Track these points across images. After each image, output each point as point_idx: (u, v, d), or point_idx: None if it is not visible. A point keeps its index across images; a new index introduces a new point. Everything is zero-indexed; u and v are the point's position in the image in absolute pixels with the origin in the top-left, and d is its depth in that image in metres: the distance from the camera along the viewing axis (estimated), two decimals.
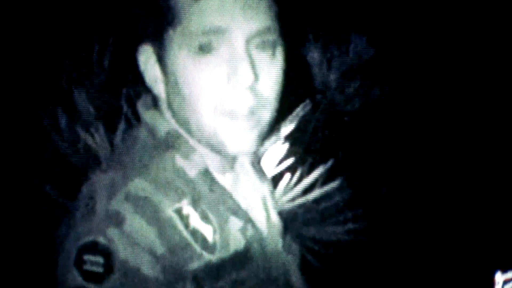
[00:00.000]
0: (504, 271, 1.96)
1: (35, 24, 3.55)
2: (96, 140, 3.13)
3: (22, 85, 3.43)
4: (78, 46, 3.39)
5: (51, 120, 3.22)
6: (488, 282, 1.94)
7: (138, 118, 1.33)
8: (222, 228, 1.27)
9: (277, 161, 3.33)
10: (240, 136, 1.23)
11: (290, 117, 3.41)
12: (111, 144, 3.04)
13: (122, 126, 3.04)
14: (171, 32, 1.20)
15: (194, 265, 1.21)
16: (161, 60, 1.23)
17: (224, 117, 1.21)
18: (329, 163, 3.41)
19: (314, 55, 3.93)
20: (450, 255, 3.70)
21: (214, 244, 1.25)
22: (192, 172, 1.27)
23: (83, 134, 3.14)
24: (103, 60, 3.40)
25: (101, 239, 1.16)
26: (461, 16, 4.29)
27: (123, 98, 3.12)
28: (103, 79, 3.38)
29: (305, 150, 3.60)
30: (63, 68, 3.37)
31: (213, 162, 1.29)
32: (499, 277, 1.98)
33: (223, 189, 1.30)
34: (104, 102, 3.30)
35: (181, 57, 1.20)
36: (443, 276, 3.62)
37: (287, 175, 3.33)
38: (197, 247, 1.22)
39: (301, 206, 3.38)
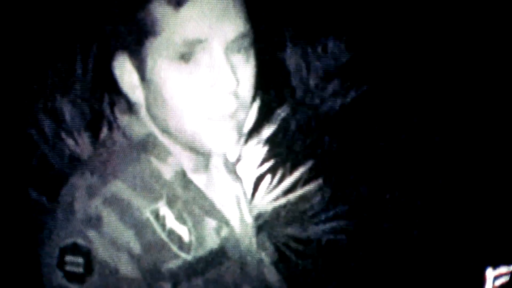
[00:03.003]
0: (495, 267, 2.00)
1: (19, 32, 3.56)
2: (80, 145, 3.15)
3: (7, 92, 3.45)
4: (62, 53, 3.41)
5: (36, 127, 3.24)
6: (479, 278, 1.97)
7: (111, 128, 1.37)
8: (197, 228, 1.31)
9: (259, 163, 3.36)
10: (222, 138, 1.26)
11: (270, 120, 3.45)
12: (95, 149, 3.05)
13: (105, 131, 3.06)
14: (149, 41, 1.23)
15: (171, 264, 1.25)
16: (139, 68, 1.26)
17: (207, 121, 1.25)
18: (310, 163, 3.44)
19: (292, 59, 3.96)
20: (441, 252, 3.71)
21: (190, 243, 1.29)
22: (167, 174, 1.31)
23: (67, 140, 3.16)
24: (86, 67, 3.43)
25: (81, 241, 1.20)
26: (436, 18, 4.33)
27: (106, 104, 3.15)
28: (87, 85, 3.40)
29: (286, 151, 3.64)
30: (47, 75, 3.38)
31: (188, 164, 1.33)
32: (490, 273, 2.02)
33: (198, 190, 1.34)
34: (88, 108, 3.32)
35: (162, 65, 1.23)
36: (434, 272, 3.63)
37: (269, 176, 3.36)
38: (174, 247, 1.26)
39: (283, 206, 3.41)
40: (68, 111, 3.25)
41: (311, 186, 3.42)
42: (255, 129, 3.33)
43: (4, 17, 3.55)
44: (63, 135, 3.16)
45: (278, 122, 3.45)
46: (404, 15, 4.30)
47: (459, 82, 4.33)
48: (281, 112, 3.50)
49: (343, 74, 4.02)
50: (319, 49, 3.98)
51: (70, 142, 3.13)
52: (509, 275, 2.02)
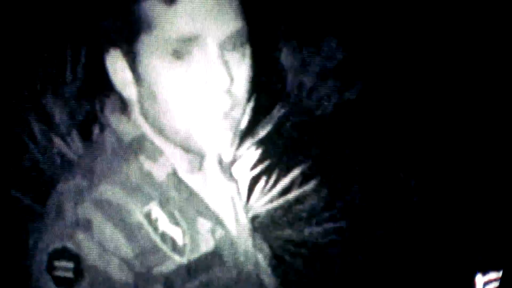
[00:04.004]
0: (484, 273, 1.98)
1: (7, 32, 3.53)
2: (71, 148, 3.12)
3: None
4: (52, 53, 3.37)
5: (26, 128, 3.21)
6: (469, 284, 1.95)
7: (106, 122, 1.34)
8: (191, 229, 1.28)
9: (254, 164, 3.33)
10: (217, 137, 1.23)
11: (265, 120, 3.42)
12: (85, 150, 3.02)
13: (96, 133, 3.02)
14: (143, 37, 1.20)
15: (164, 267, 1.22)
16: (133, 64, 1.23)
17: (201, 120, 1.22)
18: (305, 164, 3.42)
19: (287, 59, 3.94)
20: (431, 257, 3.69)
21: (184, 246, 1.26)
22: (159, 175, 1.27)
23: (58, 142, 3.13)
24: (76, 67, 3.39)
25: (70, 245, 1.17)
26: (428, 18, 4.32)
27: (97, 105, 3.11)
28: (78, 86, 3.37)
29: (281, 153, 3.62)
30: (37, 75, 3.35)
31: (181, 164, 1.30)
32: (480, 279, 2.01)
33: (191, 191, 1.31)
34: (79, 110, 3.29)
35: (155, 62, 1.20)
36: (423, 277, 3.62)
37: (264, 178, 3.34)
38: (167, 250, 1.23)
39: (278, 208, 3.39)
40: (59, 114, 3.22)
41: (307, 188, 3.39)
42: (250, 130, 3.30)
43: None
44: (55, 138, 3.12)
45: (272, 123, 3.42)
46: (399, 15, 4.28)
47: (454, 82, 4.31)
48: (276, 113, 3.48)
49: (338, 74, 4.00)
50: (314, 49, 3.97)
51: (61, 145, 3.10)
52: (499, 281, 2.01)
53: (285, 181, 3.36)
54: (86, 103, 3.25)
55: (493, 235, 3.46)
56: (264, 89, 3.41)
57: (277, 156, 3.48)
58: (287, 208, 3.43)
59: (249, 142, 3.30)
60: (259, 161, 3.34)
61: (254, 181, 3.32)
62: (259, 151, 3.34)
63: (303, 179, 3.41)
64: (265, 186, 3.34)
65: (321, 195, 3.47)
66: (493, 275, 2.04)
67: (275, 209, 3.39)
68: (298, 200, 3.43)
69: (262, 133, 3.38)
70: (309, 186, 3.39)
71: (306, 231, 3.47)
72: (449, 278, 3.44)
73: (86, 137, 3.10)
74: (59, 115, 3.22)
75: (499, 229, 3.44)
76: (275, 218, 3.40)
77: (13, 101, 3.32)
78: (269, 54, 3.73)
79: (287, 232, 3.42)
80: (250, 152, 3.32)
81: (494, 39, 4.35)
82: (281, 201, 3.37)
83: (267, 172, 3.35)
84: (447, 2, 4.32)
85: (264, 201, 3.33)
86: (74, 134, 3.12)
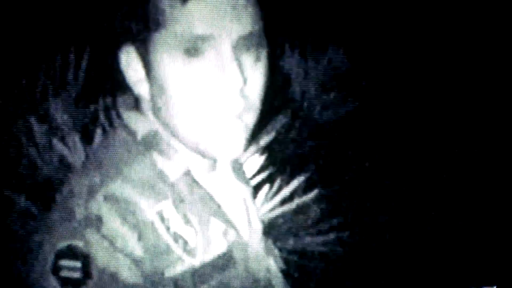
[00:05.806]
0: None
1: (8, 31, 3.50)
2: (72, 151, 3.09)
3: None
4: (53, 54, 3.35)
5: (26, 131, 3.17)
6: None
7: (113, 125, 1.31)
8: (203, 231, 1.25)
9: (256, 171, 3.30)
10: (228, 141, 1.21)
11: (268, 127, 3.39)
12: (87, 155, 2.99)
13: (98, 137, 2.99)
14: (156, 34, 1.18)
15: (175, 269, 1.20)
16: (145, 61, 1.21)
17: (212, 122, 1.20)
18: (308, 173, 3.39)
19: (291, 66, 3.93)
20: (426, 273, 3.68)
21: (196, 247, 1.23)
22: (173, 174, 1.25)
23: (58, 145, 3.10)
24: (78, 69, 3.36)
25: (79, 243, 1.14)
26: (433, 30, 4.33)
27: (99, 108, 3.09)
28: (79, 88, 3.34)
29: (283, 160, 3.59)
30: (38, 77, 3.32)
31: (194, 164, 1.28)
32: None
33: (204, 192, 1.28)
34: (80, 112, 3.26)
35: (168, 60, 1.18)
36: None
37: (266, 186, 3.31)
38: (178, 251, 1.20)
39: (280, 216, 3.35)
40: (61, 116, 3.18)
41: (310, 196, 3.36)
42: (253, 136, 3.27)
43: None
44: (56, 141, 3.09)
45: (276, 130, 3.40)
46: (405, 26, 4.28)
47: (460, 94, 4.31)
48: (279, 120, 3.45)
49: (342, 83, 4.00)
50: (319, 58, 3.96)
51: (63, 149, 3.06)
52: None
53: (287, 189, 3.33)
54: (88, 106, 3.22)
55: (486, 251, 3.46)
56: (268, 96, 3.37)
57: (280, 163, 3.45)
58: (288, 217, 3.40)
59: (252, 149, 3.27)
60: (262, 168, 3.30)
61: (256, 188, 3.28)
62: (262, 158, 3.31)
63: (306, 187, 3.37)
64: (267, 194, 3.30)
65: (323, 204, 3.45)
66: None
67: (276, 218, 3.36)
68: (300, 209, 3.39)
69: (265, 140, 3.34)
70: (312, 194, 3.35)
71: (306, 241, 3.44)
72: None
73: (88, 141, 3.06)
74: (60, 118, 3.19)
75: (492, 244, 3.44)
76: (276, 227, 3.37)
77: (14, 103, 3.29)
78: (273, 61, 3.71)
79: (288, 241, 3.39)
80: (253, 159, 3.28)
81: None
82: (282, 210, 3.34)
83: (269, 179, 3.31)
84: (454, 14, 4.32)
85: (265, 209, 3.30)
86: (76, 138, 3.08)
